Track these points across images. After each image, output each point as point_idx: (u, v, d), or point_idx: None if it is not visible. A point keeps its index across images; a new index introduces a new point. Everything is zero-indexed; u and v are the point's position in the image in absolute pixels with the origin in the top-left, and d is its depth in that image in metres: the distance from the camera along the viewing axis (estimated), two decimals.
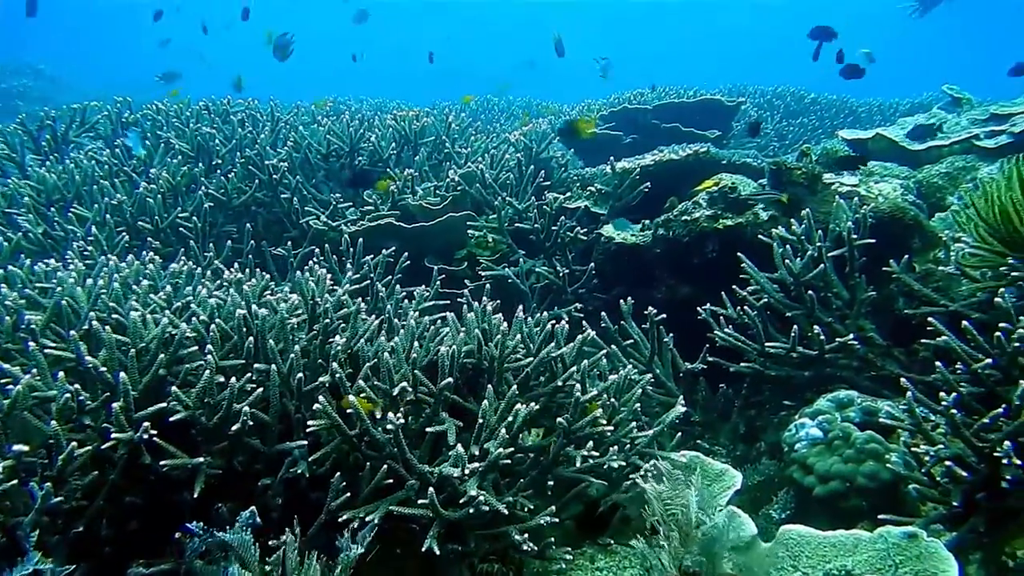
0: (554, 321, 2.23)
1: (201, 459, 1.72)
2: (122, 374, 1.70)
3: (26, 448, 1.56)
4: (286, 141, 4.15)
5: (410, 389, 1.92)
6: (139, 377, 1.78)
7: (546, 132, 5.01)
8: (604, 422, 1.99)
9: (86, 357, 1.75)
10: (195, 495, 1.68)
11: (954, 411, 1.88)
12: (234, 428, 1.74)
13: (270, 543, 1.65)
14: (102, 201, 3.32)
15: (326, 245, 3.13)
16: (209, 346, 1.88)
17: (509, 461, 1.82)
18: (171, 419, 1.73)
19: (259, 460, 1.87)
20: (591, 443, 1.95)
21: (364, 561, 1.64)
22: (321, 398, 1.80)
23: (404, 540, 1.83)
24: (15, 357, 1.88)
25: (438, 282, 3.03)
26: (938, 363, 2.04)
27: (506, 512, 1.75)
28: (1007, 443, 1.77)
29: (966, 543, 1.88)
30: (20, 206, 3.38)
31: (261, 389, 1.82)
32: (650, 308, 2.77)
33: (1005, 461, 1.76)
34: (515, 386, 1.96)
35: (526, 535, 1.79)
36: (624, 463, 2.01)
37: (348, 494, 1.77)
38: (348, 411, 1.80)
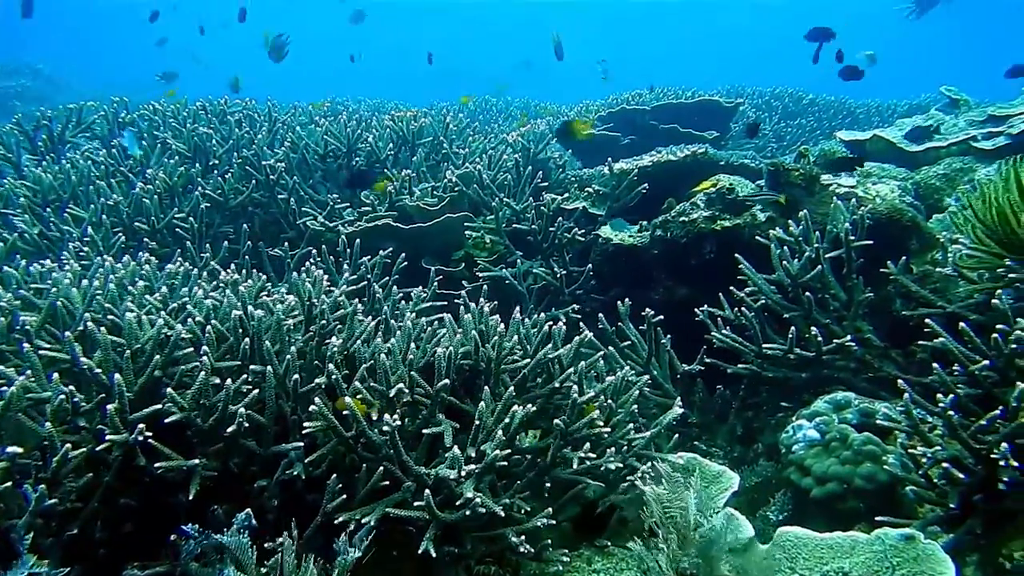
0: (551, 322, 2.22)
1: (196, 461, 1.71)
2: (117, 375, 1.70)
3: (20, 450, 1.56)
4: (283, 141, 4.14)
5: (407, 391, 1.92)
6: (134, 378, 1.78)
7: (544, 133, 5.01)
8: (601, 424, 1.99)
9: (81, 358, 1.74)
10: (190, 497, 1.67)
11: (951, 413, 1.88)
12: (230, 430, 1.73)
13: (266, 545, 1.65)
14: (98, 202, 3.31)
15: (323, 246, 3.13)
16: (205, 347, 1.87)
17: (506, 463, 1.81)
18: (166, 421, 1.72)
19: (255, 462, 1.86)
20: (588, 445, 1.95)
21: (360, 563, 1.63)
22: (317, 400, 1.79)
23: (400, 542, 1.82)
24: (10, 358, 1.88)
25: (435, 283, 3.03)
26: (935, 365, 2.03)
27: (503, 514, 1.75)
28: (1004, 445, 1.77)
29: (963, 545, 1.88)
30: (16, 207, 3.37)
31: (257, 391, 1.82)
32: (647, 309, 2.77)
33: (1002, 463, 1.76)
34: (512, 388, 1.95)
35: (523, 537, 1.79)
36: (621, 465, 2.01)
37: (344, 496, 1.77)
38: (344, 413, 1.79)
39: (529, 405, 1.92)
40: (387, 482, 1.80)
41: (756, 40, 31.56)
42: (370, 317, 2.31)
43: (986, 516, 1.88)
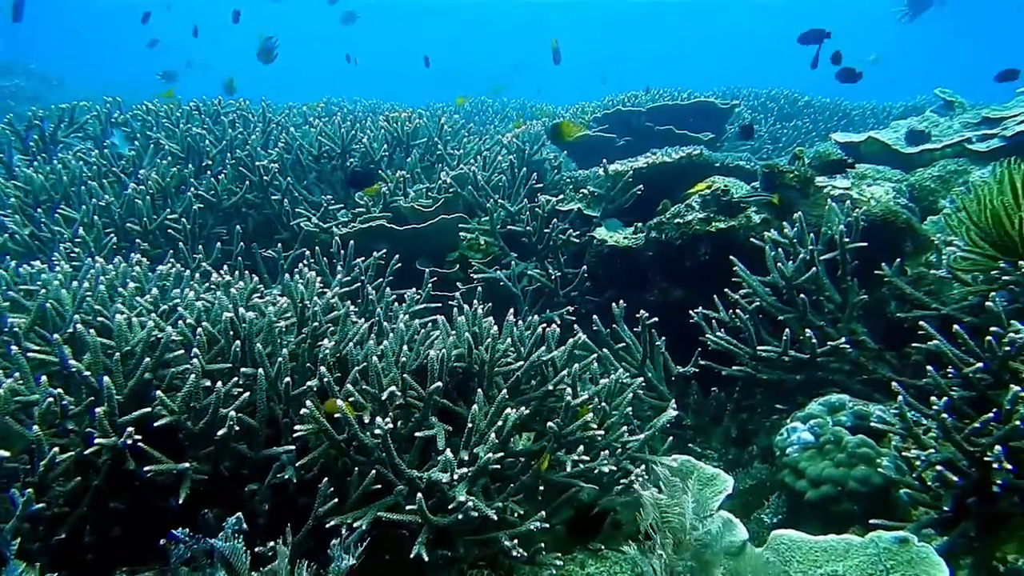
0: (545, 324, 2.21)
1: (187, 464, 1.70)
2: (106, 378, 1.68)
3: (7, 453, 1.54)
4: (277, 142, 4.12)
5: (399, 393, 1.91)
6: (124, 381, 1.76)
7: (539, 134, 5.01)
8: (595, 426, 1.98)
9: (70, 361, 1.73)
10: (180, 501, 1.66)
11: (945, 415, 1.88)
12: (220, 433, 1.72)
13: (257, 549, 1.63)
14: (90, 202, 3.28)
15: (317, 247, 3.11)
16: (195, 350, 1.85)
17: (499, 466, 1.80)
18: (156, 424, 1.71)
19: (246, 465, 1.84)
20: (582, 447, 1.94)
21: (352, 568, 1.62)
22: (309, 403, 1.78)
23: (393, 546, 1.81)
24: None
25: (429, 285, 3.02)
26: (929, 367, 2.04)
27: (495, 517, 1.73)
28: (998, 447, 1.77)
29: (957, 548, 1.88)
30: (6, 207, 3.35)
31: (248, 393, 1.80)
32: (642, 311, 2.76)
33: (996, 466, 1.76)
34: (505, 390, 1.94)
35: (516, 541, 1.78)
36: (615, 467, 2.00)
37: (336, 500, 1.75)
38: (336, 416, 1.78)
39: (522, 408, 1.91)
40: (379, 486, 1.78)
41: (755, 40, 31.61)
42: (363, 319, 2.29)
43: (980, 519, 1.88)
